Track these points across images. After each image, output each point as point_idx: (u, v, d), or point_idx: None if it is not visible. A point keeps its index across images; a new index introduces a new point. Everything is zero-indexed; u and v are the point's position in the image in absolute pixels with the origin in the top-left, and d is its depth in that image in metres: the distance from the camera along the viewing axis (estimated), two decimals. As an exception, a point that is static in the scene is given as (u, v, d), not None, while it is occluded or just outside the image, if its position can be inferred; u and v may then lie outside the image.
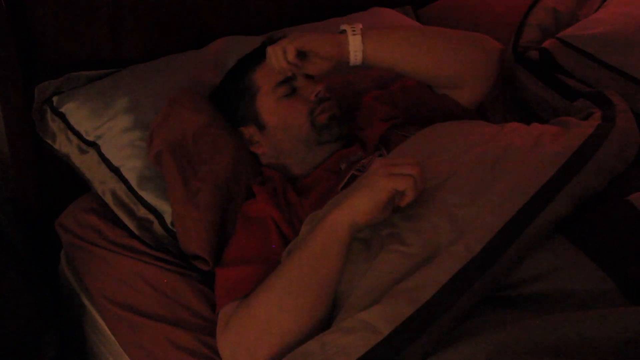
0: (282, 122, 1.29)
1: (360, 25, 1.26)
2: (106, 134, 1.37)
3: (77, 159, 1.38)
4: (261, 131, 1.31)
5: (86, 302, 1.36)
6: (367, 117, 1.38)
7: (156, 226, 1.30)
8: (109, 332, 1.29)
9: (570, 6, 1.77)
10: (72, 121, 1.39)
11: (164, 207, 1.29)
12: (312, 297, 1.00)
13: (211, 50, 1.54)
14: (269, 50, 1.24)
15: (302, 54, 1.24)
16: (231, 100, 1.34)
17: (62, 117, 1.39)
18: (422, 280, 0.94)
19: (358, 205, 1.00)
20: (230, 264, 1.14)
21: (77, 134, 1.38)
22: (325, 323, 1.01)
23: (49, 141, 1.41)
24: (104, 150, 1.36)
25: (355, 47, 1.24)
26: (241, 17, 1.64)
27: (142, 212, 1.31)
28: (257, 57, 1.32)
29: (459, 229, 0.99)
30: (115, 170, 1.34)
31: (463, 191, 1.03)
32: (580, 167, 1.05)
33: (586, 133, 1.12)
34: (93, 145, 1.37)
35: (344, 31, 1.27)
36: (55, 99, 1.41)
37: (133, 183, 1.32)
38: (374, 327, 0.91)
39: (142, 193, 1.31)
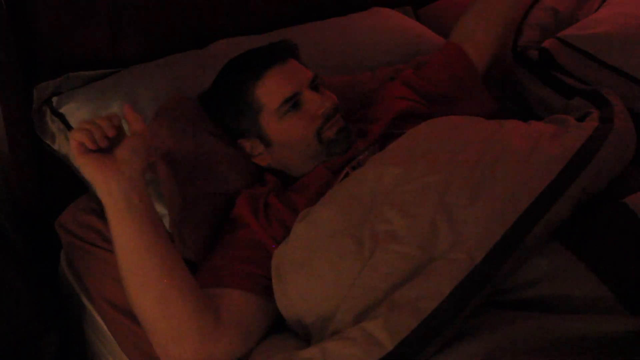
0: (288, 140, 1.26)
1: None
2: (105, 136, 1.36)
3: (77, 160, 1.38)
4: (266, 147, 1.29)
5: (86, 302, 1.36)
6: (380, 111, 1.37)
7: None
8: (108, 332, 1.29)
9: (570, 6, 1.77)
10: (72, 122, 1.38)
11: (163, 211, 1.29)
12: (139, 275, 1.02)
13: (212, 51, 1.54)
14: None
15: None
16: (229, 113, 1.31)
17: (62, 117, 1.39)
18: (425, 290, 0.93)
19: (88, 179, 1.03)
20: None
21: (77, 135, 1.38)
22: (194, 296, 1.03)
23: (48, 142, 1.41)
24: (102, 151, 1.35)
25: None
26: (241, 17, 1.64)
27: (140, 215, 1.30)
28: (256, 68, 1.28)
29: (458, 232, 0.98)
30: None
31: (462, 191, 1.02)
32: (581, 170, 1.04)
33: (585, 135, 1.11)
34: (92, 146, 1.37)
35: None
36: (54, 99, 1.41)
37: (131, 185, 1.31)
38: (377, 340, 0.90)
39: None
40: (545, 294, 0.96)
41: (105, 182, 1.01)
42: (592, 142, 1.10)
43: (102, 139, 1.01)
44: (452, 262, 0.95)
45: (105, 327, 1.30)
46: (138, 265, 1.02)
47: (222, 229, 1.21)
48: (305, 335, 1.07)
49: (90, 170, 1.02)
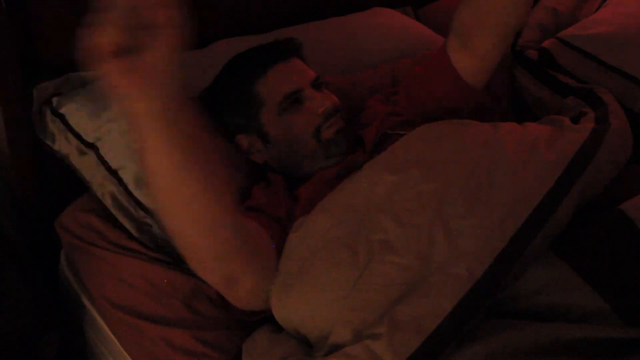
0: (287, 137, 1.27)
1: None
2: (105, 136, 1.36)
3: (77, 161, 1.38)
4: (265, 143, 1.30)
5: (86, 302, 1.36)
6: (369, 116, 1.37)
7: (155, 229, 1.29)
8: (109, 332, 1.29)
9: (570, 6, 1.77)
10: (72, 122, 1.38)
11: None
12: (177, 204, 0.92)
13: (212, 51, 1.54)
14: None
15: None
16: (230, 108, 1.31)
17: (62, 118, 1.39)
18: (425, 307, 0.92)
19: (129, 103, 0.83)
20: None
21: (77, 136, 1.37)
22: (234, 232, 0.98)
23: (49, 142, 1.40)
24: (102, 152, 1.35)
25: None
26: (241, 17, 1.64)
27: (140, 215, 1.31)
28: (260, 64, 1.29)
29: (456, 243, 0.97)
30: (114, 173, 1.33)
31: (459, 200, 1.01)
32: (579, 175, 1.03)
33: (581, 138, 1.10)
34: (92, 147, 1.37)
35: None
36: (55, 100, 1.41)
37: (130, 186, 1.31)
38: (381, 359, 0.90)
39: (139, 196, 1.31)
40: (542, 305, 0.96)
41: (137, 98, 0.81)
42: (589, 145, 1.09)
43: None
44: (451, 278, 0.94)
45: (105, 327, 1.30)
46: (175, 178, 0.90)
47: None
48: (305, 342, 1.07)
49: (116, 80, 0.80)
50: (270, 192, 1.24)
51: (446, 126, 1.18)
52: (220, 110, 1.33)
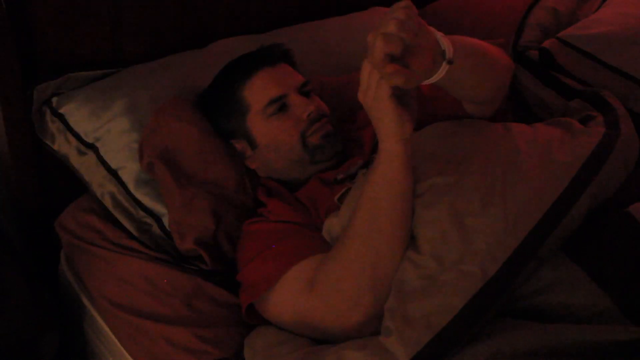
0: (273, 142, 1.26)
1: None
2: (105, 136, 1.36)
3: (76, 161, 1.38)
4: (253, 149, 1.30)
5: (86, 302, 1.36)
6: (367, 115, 1.36)
7: (155, 229, 1.30)
8: (109, 332, 1.29)
9: (570, 6, 1.77)
10: (72, 122, 1.38)
11: (162, 210, 1.29)
12: (393, 225, 1.00)
13: (212, 51, 1.54)
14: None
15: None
16: (221, 114, 1.32)
17: (62, 118, 1.39)
18: (437, 304, 0.93)
19: (389, 123, 0.96)
20: (266, 249, 1.12)
21: (76, 136, 1.38)
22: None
23: (48, 142, 1.40)
24: (102, 152, 1.35)
25: (445, 42, 0.92)
26: (241, 17, 1.64)
27: (140, 214, 1.31)
28: (246, 69, 1.29)
29: (469, 240, 0.97)
30: (114, 173, 1.34)
31: (473, 198, 1.01)
32: (592, 178, 1.04)
33: (594, 142, 1.10)
34: (92, 147, 1.37)
35: None
36: (54, 99, 1.41)
37: (130, 186, 1.32)
38: (392, 354, 0.92)
39: (139, 196, 1.31)
40: (548, 304, 0.96)
41: (402, 124, 0.96)
42: (601, 148, 1.09)
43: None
44: (464, 275, 0.94)
45: (105, 327, 1.30)
46: (404, 200, 1.01)
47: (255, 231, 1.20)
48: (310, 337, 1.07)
49: (394, 107, 0.93)
50: (282, 200, 1.23)
51: (458, 124, 1.17)
52: (214, 115, 1.34)
